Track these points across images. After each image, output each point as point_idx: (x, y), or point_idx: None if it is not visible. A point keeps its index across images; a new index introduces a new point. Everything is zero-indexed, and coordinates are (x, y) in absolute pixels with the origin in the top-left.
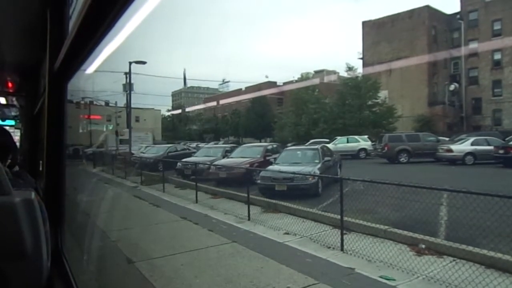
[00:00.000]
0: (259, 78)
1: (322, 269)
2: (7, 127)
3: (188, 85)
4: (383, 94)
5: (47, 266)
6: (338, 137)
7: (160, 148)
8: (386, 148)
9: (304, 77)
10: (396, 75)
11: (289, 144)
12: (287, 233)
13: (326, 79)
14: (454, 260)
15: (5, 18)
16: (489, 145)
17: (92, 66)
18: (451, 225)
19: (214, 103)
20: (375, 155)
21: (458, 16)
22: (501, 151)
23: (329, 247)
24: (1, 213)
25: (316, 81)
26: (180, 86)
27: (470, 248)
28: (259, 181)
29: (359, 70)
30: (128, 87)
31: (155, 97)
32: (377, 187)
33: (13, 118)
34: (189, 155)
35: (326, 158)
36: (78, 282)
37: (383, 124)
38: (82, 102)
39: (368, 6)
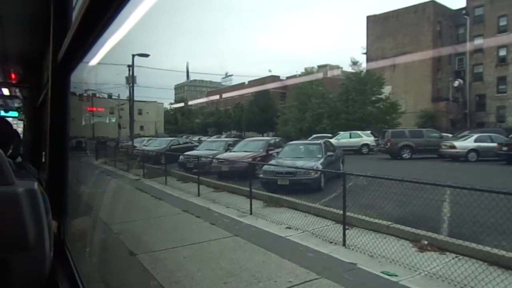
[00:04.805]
0: (262, 72)
1: (324, 263)
2: (10, 119)
3: (191, 78)
4: (386, 89)
5: (49, 257)
6: (341, 132)
7: (162, 141)
8: (388, 144)
9: (307, 72)
10: (400, 71)
11: None
12: (289, 228)
13: (330, 73)
14: (456, 256)
15: (9, 9)
16: (492, 142)
17: (95, 58)
18: (454, 222)
19: (216, 97)
20: (378, 150)
21: (463, 11)
22: (504, 148)
23: (331, 242)
24: (3, 203)
25: (320, 75)
26: (183, 79)
27: (474, 245)
28: (261, 175)
29: (363, 65)
30: (131, 80)
31: (158, 90)
32: (379, 182)
33: (16, 109)
34: (192, 148)
35: (329, 153)
36: (81, 273)
37: (387, 120)
38: (85, 94)
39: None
